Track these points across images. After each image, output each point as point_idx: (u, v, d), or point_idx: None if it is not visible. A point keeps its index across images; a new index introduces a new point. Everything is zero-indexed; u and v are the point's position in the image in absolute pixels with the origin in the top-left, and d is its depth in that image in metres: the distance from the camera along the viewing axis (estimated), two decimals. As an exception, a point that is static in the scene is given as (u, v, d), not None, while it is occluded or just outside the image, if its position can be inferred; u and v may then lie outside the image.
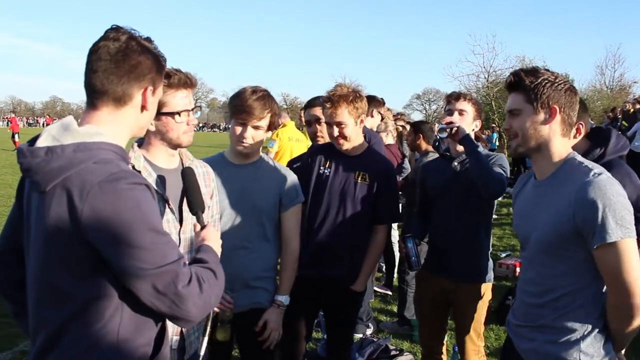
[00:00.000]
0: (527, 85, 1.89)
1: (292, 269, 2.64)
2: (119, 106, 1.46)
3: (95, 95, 1.45)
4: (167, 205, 2.03)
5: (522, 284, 2.06)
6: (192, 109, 2.07)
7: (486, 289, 3.02)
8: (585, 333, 1.83)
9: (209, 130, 79.16)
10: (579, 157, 1.90)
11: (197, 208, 1.90)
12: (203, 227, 1.83)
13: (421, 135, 4.85)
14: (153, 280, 1.35)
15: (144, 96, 1.49)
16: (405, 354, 4.22)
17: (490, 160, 2.83)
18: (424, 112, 69.88)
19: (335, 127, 2.77)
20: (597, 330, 1.83)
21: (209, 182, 2.30)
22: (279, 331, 2.57)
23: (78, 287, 1.38)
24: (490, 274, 3.06)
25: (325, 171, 2.90)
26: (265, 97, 2.48)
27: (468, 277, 2.97)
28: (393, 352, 4.18)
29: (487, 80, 29.31)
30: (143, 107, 1.50)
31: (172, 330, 2.09)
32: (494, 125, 24.33)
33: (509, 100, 1.97)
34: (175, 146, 2.09)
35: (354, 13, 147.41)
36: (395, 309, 5.14)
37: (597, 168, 1.81)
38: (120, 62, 1.43)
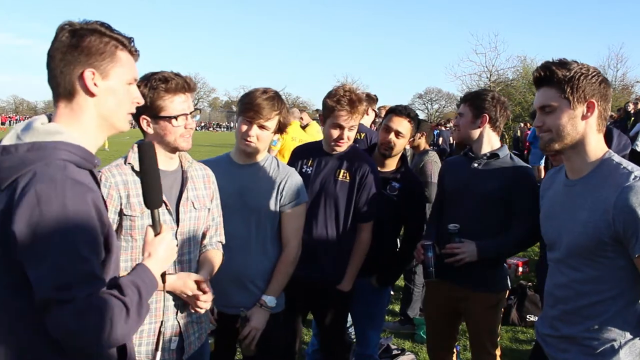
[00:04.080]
0: (561, 78, 1.76)
1: (284, 272, 2.57)
2: (70, 98, 1.42)
3: (52, 92, 1.44)
4: (165, 206, 2.06)
5: (551, 288, 1.95)
6: (190, 113, 2.08)
7: (501, 298, 2.91)
8: (623, 342, 1.75)
9: (218, 129, 79.12)
10: (616, 157, 1.80)
11: (153, 204, 1.56)
12: (157, 233, 1.57)
13: (424, 134, 4.87)
14: (48, 302, 1.24)
15: (82, 80, 1.40)
16: (407, 353, 4.21)
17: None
18: (426, 111, 69.75)
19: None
20: (636, 339, 1.75)
21: (208, 184, 2.30)
22: (260, 330, 2.49)
23: (13, 296, 1.31)
24: (506, 282, 2.94)
25: (307, 170, 2.91)
26: (275, 98, 2.49)
27: (481, 286, 2.82)
28: (395, 352, 4.17)
29: (490, 80, 29.29)
30: (91, 94, 1.41)
31: (171, 332, 2.11)
32: (496, 124, 24.30)
33: (539, 95, 1.84)
34: (173, 149, 2.10)
35: (356, 12, 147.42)
36: (397, 308, 5.13)
37: (637, 170, 1.71)
38: (55, 56, 1.40)
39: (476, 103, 2.85)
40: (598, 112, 1.77)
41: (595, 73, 1.77)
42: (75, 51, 1.39)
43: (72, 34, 1.40)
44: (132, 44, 1.48)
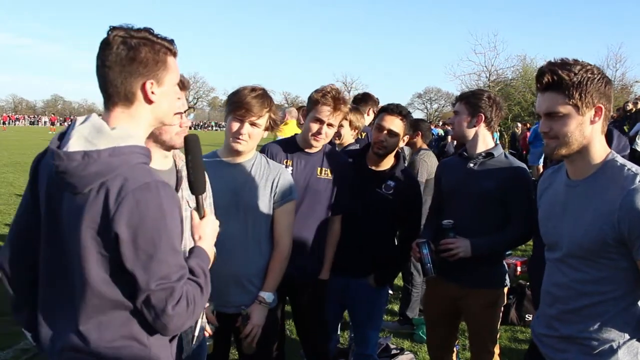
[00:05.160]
0: (569, 84, 1.71)
1: (279, 268, 2.59)
2: (128, 104, 1.52)
3: (107, 97, 1.53)
4: None
5: (549, 287, 1.94)
6: (185, 111, 2.08)
7: (500, 295, 2.92)
8: (622, 343, 1.75)
9: (217, 129, 79.10)
10: (620, 159, 1.78)
11: (198, 190, 1.74)
12: (202, 217, 1.76)
13: (420, 133, 4.88)
14: (150, 292, 1.42)
15: (144, 91, 1.52)
16: (406, 352, 4.22)
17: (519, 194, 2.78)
18: (425, 110, 69.89)
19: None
20: (634, 339, 1.75)
21: None
22: (261, 327, 2.53)
23: (104, 286, 1.45)
24: (505, 280, 2.96)
25: (287, 169, 2.90)
26: (263, 95, 2.48)
27: (480, 283, 2.84)
28: (394, 351, 4.17)
29: (489, 80, 29.35)
30: (149, 101, 1.54)
31: None
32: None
33: (544, 100, 1.78)
34: (168, 147, 2.09)
35: (355, 12, 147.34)
36: (396, 308, 5.13)
37: None
38: (114, 68, 1.48)
39: (472, 102, 2.85)
40: (604, 115, 1.76)
41: (600, 75, 1.74)
42: (134, 64, 1.48)
43: (127, 45, 1.48)
44: (174, 47, 1.59)
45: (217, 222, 1.78)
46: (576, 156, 1.80)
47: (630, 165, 1.74)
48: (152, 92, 1.52)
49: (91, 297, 1.46)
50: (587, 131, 1.75)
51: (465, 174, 2.86)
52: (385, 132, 3.05)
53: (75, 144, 1.43)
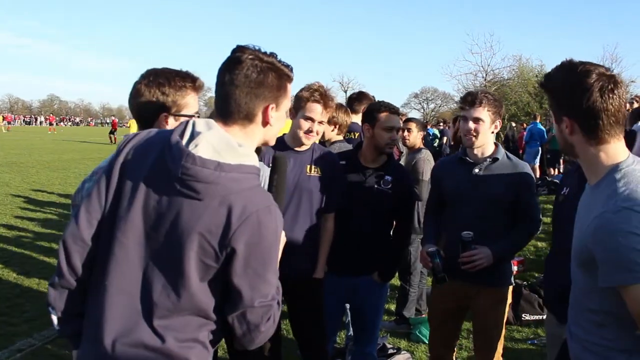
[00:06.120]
0: (548, 92, 1.74)
1: None
2: (247, 124, 1.56)
3: (226, 112, 1.55)
4: None
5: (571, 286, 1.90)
6: (195, 115, 2.12)
7: (507, 293, 2.95)
8: (627, 354, 1.61)
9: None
10: (623, 171, 1.59)
11: (281, 206, 1.74)
12: None
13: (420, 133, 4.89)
14: (251, 308, 1.47)
15: (265, 114, 1.56)
16: (402, 352, 4.22)
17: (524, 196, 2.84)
18: (422, 110, 69.90)
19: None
20: (635, 353, 1.61)
21: None
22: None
23: (199, 293, 1.48)
24: (511, 277, 2.99)
25: None
26: None
27: (490, 282, 2.86)
28: (390, 351, 4.18)
29: (485, 79, 29.39)
30: (266, 124, 1.58)
31: None
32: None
33: None
34: None
35: (352, 12, 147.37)
36: (393, 307, 5.13)
37: (620, 197, 1.51)
38: (242, 88, 1.52)
39: (496, 109, 2.82)
40: (578, 127, 1.62)
41: (573, 84, 1.61)
42: (261, 87, 1.53)
43: (256, 68, 1.52)
44: (293, 74, 1.64)
45: (284, 238, 1.76)
46: (579, 160, 1.73)
47: (624, 182, 1.56)
48: (271, 116, 1.57)
49: (180, 300, 1.46)
50: (568, 139, 1.67)
51: (471, 180, 2.85)
52: (396, 131, 3.13)
53: (205, 151, 1.44)
